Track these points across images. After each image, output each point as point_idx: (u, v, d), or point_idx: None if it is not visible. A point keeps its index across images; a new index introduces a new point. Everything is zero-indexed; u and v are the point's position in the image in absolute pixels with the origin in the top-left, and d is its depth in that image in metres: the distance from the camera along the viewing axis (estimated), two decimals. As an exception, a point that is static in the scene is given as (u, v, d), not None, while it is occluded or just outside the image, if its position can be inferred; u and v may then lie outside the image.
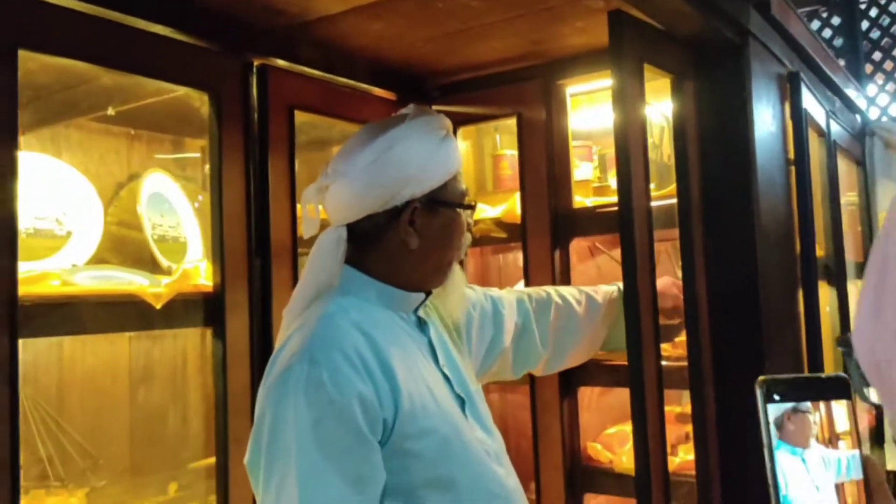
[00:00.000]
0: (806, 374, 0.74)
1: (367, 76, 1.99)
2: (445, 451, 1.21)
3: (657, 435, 1.59)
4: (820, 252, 2.26)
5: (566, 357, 1.73)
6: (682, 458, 1.93)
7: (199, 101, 1.66)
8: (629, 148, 1.55)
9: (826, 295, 2.31)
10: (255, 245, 1.67)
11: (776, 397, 0.64)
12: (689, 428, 2.12)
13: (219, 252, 1.63)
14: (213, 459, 2.09)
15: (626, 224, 1.57)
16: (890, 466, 2.90)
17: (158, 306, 1.52)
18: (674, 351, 1.90)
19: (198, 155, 2.36)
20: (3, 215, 1.26)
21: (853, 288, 2.70)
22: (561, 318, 1.69)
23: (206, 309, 1.62)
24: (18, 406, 1.26)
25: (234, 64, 1.68)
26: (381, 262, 1.30)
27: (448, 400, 1.27)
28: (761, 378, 0.65)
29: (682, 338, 1.85)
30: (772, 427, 0.63)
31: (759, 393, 0.65)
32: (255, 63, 1.72)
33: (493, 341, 1.58)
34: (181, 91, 1.63)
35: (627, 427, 2.11)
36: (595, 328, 1.74)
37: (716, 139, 1.78)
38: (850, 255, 2.69)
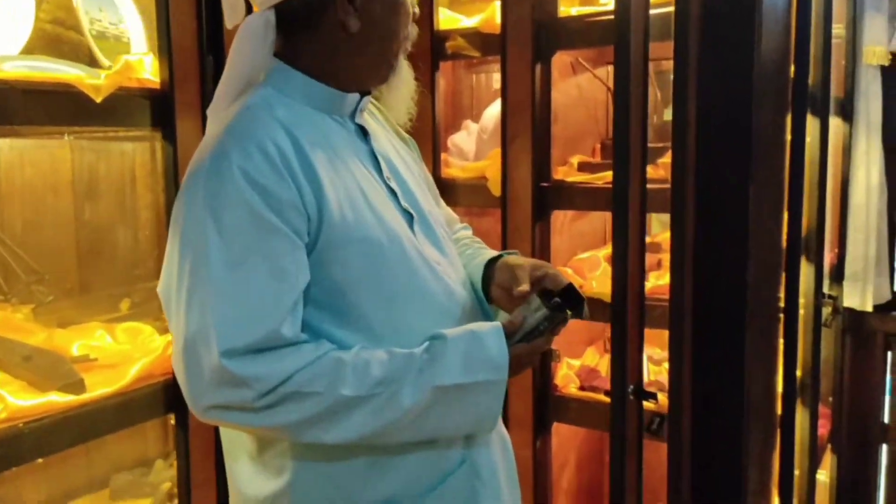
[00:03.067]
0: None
1: None
2: (382, 261, 1.10)
3: (637, 256, 1.53)
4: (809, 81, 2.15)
5: None
6: (654, 283, 1.90)
7: None
8: (631, -61, 1.38)
9: (809, 125, 2.22)
10: (207, 40, 1.49)
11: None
12: (661, 256, 2.09)
13: (165, 45, 1.45)
14: (167, 277, 2.01)
15: (622, 32, 1.43)
16: (847, 303, 2.96)
17: (99, 99, 1.36)
18: (655, 173, 1.82)
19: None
20: None
21: (832, 122, 2.63)
22: None
23: (153, 108, 1.46)
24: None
25: None
26: (315, 54, 1.13)
27: (392, 213, 1.15)
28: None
29: (664, 159, 1.77)
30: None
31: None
32: None
33: None
34: None
35: (599, 252, 2.07)
36: None
37: (722, -60, 1.61)
38: (833, 90, 2.60)
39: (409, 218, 1.18)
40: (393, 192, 1.18)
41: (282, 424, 1.02)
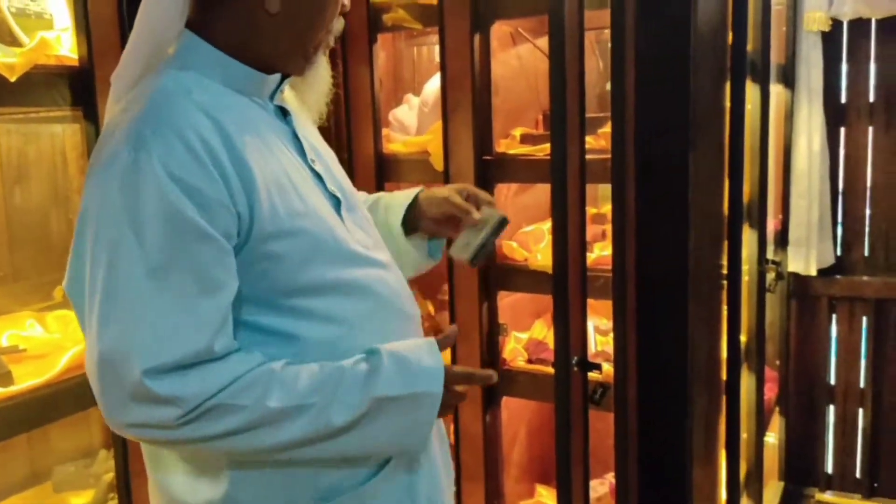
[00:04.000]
0: None
1: None
2: (316, 253, 1.05)
3: (577, 227, 1.53)
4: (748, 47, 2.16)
5: None
6: (598, 253, 1.90)
7: None
8: None
9: (749, 92, 2.23)
10: (127, 12, 1.43)
11: None
12: (606, 227, 2.08)
13: (83, 19, 1.38)
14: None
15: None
16: (791, 268, 3.01)
17: (13, 78, 1.29)
18: (596, 143, 1.81)
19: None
20: None
21: (774, 89, 2.65)
22: None
23: (73, 86, 1.40)
24: None
25: None
26: (230, 29, 1.05)
27: (319, 199, 1.09)
28: None
29: (606, 129, 1.76)
30: None
31: None
32: None
33: None
34: None
35: (544, 225, 2.06)
36: None
37: None
38: (774, 56, 2.61)
39: (336, 202, 1.13)
40: (318, 176, 1.12)
41: (204, 438, 0.96)
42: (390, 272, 1.16)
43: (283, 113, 1.14)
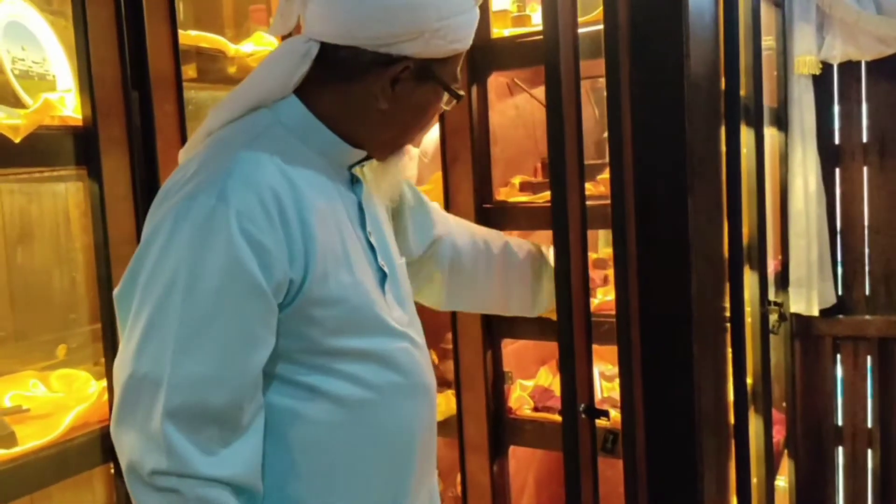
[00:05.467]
0: None
1: None
2: (352, 323, 1.10)
3: (579, 273, 1.53)
4: (741, 92, 2.19)
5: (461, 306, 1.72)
6: (602, 299, 1.89)
7: None
8: (555, -41, 1.39)
9: (744, 136, 2.26)
10: (131, 74, 1.45)
11: None
12: (608, 272, 2.09)
13: (87, 80, 1.41)
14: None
15: (551, 51, 1.44)
16: (793, 309, 3.00)
17: (17, 140, 1.31)
18: (595, 189, 1.83)
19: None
20: None
21: (768, 132, 2.68)
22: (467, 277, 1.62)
23: (76, 146, 1.42)
24: None
25: None
26: (334, 104, 1.12)
27: (367, 271, 1.14)
28: None
29: (604, 175, 1.78)
30: None
31: None
32: None
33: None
34: None
35: (546, 271, 2.06)
36: (508, 285, 1.68)
37: (646, -43, 1.63)
38: (766, 100, 2.65)
39: (382, 277, 1.18)
40: (372, 248, 1.17)
41: None
42: (418, 349, 1.21)
43: (353, 180, 1.20)
